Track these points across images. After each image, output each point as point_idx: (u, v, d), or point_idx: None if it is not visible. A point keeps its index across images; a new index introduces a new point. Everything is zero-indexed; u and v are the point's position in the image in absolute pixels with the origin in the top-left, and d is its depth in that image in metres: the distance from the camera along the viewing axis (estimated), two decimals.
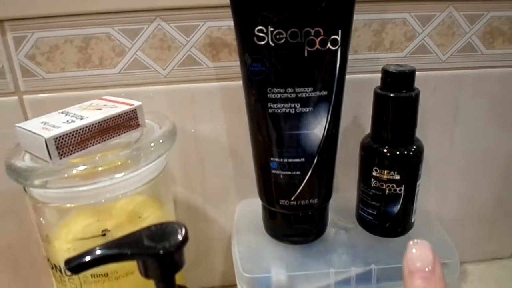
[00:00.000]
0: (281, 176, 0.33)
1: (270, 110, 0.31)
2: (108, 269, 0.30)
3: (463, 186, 0.46)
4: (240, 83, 0.33)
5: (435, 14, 0.38)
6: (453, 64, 0.40)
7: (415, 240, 0.21)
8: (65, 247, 0.30)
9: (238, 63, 0.32)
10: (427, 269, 0.20)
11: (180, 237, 0.20)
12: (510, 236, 0.49)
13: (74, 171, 0.27)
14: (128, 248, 0.20)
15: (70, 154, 0.27)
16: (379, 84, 0.33)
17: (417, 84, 0.32)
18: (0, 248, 0.41)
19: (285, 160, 0.32)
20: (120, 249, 0.20)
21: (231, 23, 0.31)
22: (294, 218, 0.34)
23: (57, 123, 0.28)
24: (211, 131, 0.40)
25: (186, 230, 0.20)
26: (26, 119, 0.38)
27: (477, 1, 0.38)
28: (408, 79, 0.32)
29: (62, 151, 0.27)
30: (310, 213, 0.34)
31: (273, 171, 0.33)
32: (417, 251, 0.21)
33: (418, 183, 0.34)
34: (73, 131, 0.27)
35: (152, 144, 0.30)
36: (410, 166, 0.33)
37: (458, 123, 0.43)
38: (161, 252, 0.19)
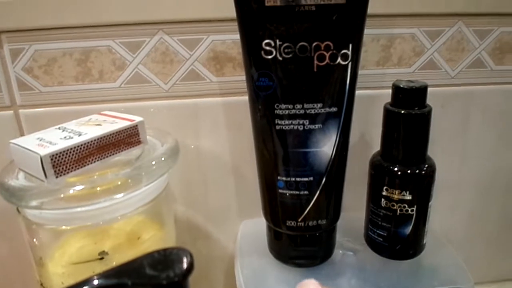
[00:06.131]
0: (288, 195, 0.31)
1: (277, 127, 0.30)
2: None
3: (473, 205, 0.44)
4: (245, 98, 0.32)
5: (444, 29, 0.37)
6: (462, 80, 0.39)
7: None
8: (59, 271, 0.28)
9: (242, 77, 0.31)
10: None
11: (185, 265, 0.18)
12: None
13: (71, 191, 0.25)
14: (128, 278, 0.18)
15: (67, 172, 0.26)
16: (386, 100, 0.32)
17: None
18: None
19: (293, 179, 0.31)
20: (119, 279, 0.18)
21: (235, 36, 0.30)
22: (301, 239, 0.33)
23: (53, 140, 0.26)
24: (214, 147, 0.39)
25: (191, 257, 0.19)
26: (22, 134, 0.36)
27: (487, 16, 0.37)
28: (420, 95, 0.31)
29: (59, 170, 0.25)
30: (317, 234, 0.33)
31: (280, 191, 0.31)
32: None
33: (430, 203, 0.33)
34: (71, 148, 0.26)
35: (154, 162, 0.29)
36: (422, 186, 0.32)
37: (467, 140, 0.41)
38: (165, 282, 0.18)
